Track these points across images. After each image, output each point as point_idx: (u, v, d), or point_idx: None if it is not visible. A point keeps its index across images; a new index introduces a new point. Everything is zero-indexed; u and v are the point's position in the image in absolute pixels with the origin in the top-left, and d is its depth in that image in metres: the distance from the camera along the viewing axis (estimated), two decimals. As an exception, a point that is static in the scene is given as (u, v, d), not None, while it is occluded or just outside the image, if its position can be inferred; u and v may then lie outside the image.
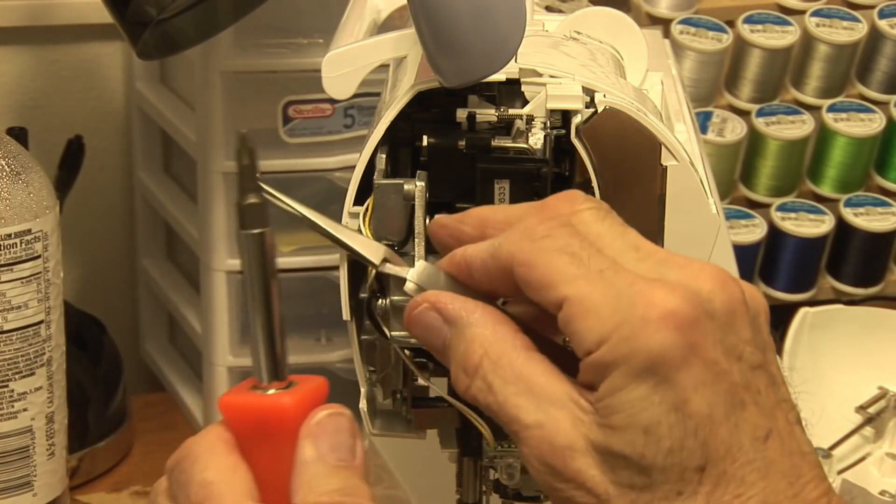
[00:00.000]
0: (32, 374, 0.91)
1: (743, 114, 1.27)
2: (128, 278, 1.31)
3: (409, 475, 0.90)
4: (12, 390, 0.90)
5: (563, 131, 0.69)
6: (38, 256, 0.90)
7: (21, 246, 0.89)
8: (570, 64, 0.72)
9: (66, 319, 0.94)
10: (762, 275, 1.28)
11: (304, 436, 0.59)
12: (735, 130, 1.26)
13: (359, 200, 0.70)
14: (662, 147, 0.68)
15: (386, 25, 0.87)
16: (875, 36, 1.28)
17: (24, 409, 0.91)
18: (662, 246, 0.69)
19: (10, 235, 0.88)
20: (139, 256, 1.28)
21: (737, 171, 1.28)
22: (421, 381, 0.73)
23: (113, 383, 1.13)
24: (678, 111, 0.81)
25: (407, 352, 0.72)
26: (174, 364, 1.25)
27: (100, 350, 1.13)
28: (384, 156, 0.69)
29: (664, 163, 0.68)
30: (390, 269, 0.64)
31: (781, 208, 1.28)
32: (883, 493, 0.99)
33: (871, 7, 1.28)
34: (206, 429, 0.58)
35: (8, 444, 0.91)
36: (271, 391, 0.60)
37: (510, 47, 0.66)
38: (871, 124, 1.28)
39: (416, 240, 0.68)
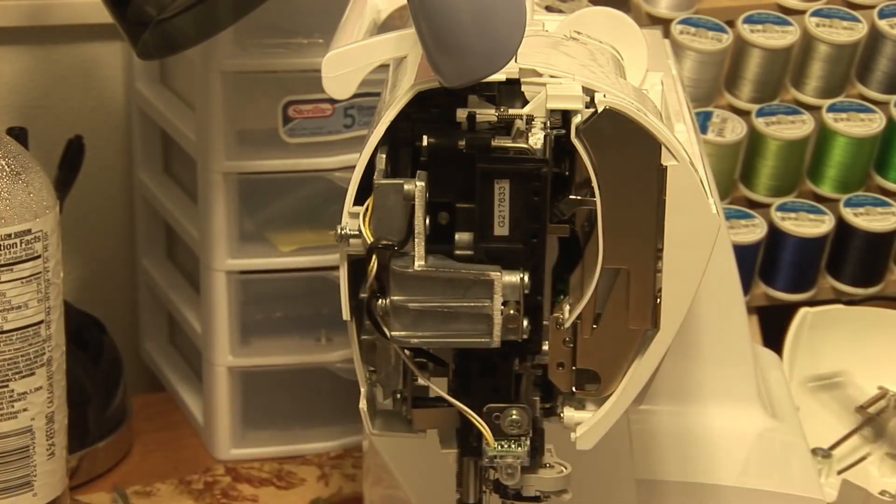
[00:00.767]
0: (32, 374, 0.91)
1: (743, 114, 1.27)
2: (128, 278, 1.31)
3: (409, 475, 0.90)
4: (12, 390, 0.90)
5: (563, 131, 0.70)
6: (38, 256, 0.90)
7: (21, 246, 0.89)
8: (570, 64, 0.73)
9: (66, 319, 0.94)
10: (762, 275, 1.28)
11: None
12: (735, 130, 1.26)
13: (359, 200, 0.70)
14: (662, 147, 0.68)
15: (386, 25, 0.87)
16: (875, 36, 1.28)
17: (24, 409, 0.91)
18: (662, 246, 0.69)
19: (10, 235, 0.88)
20: (139, 256, 1.28)
21: (737, 171, 1.28)
22: (421, 381, 0.73)
23: (113, 383, 1.13)
24: (678, 111, 0.81)
25: (407, 352, 0.72)
26: (174, 364, 1.25)
27: (100, 350, 1.14)
28: (384, 156, 0.69)
29: (664, 163, 0.68)
30: None
31: (781, 208, 1.28)
32: (883, 493, 0.99)
33: (871, 7, 1.28)
34: None
35: (8, 444, 0.91)
36: None
37: (510, 47, 0.66)
38: (871, 124, 1.28)
39: (416, 240, 0.68)
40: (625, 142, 0.68)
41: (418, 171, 0.68)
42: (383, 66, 0.76)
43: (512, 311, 0.68)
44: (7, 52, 1.24)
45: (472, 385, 0.72)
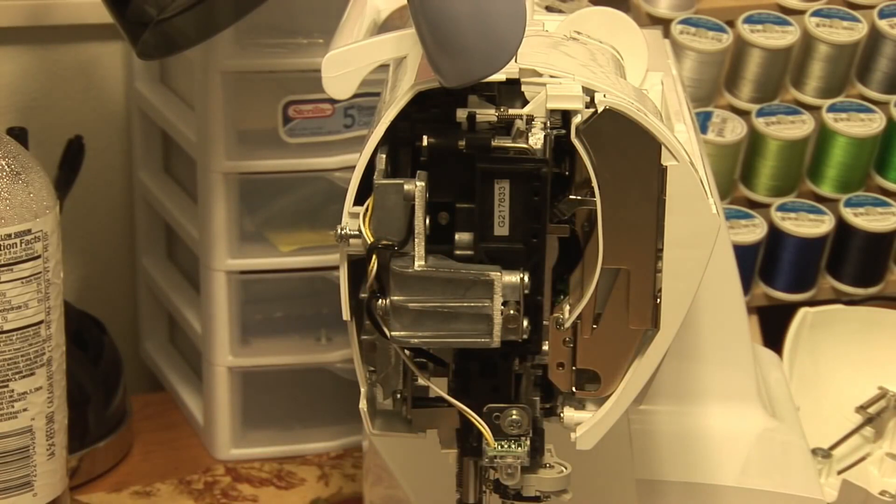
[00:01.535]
0: (32, 374, 0.91)
1: (743, 114, 1.27)
2: (128, 278, 1.31)
3: (409, 475, 0.90)
4: (12, 390, 0.90)
5: (563, 131, 0.70)
6: (38, 256, 0.90)
7: (21, 246, 0.89)
8: (570, 64, 0.73)
9: (66, 319, 0.94)
10: (762, 275, 1.28)
11: None
12: (735, 130, 1.26)
13: (359, 200, 0.70)
14: (662, 147, 0.68)
15: (386, 25, 0.87)
16: (875, 36, 1.28)
17: (24, 409, 0.91)
18: (662, 246, 0.69)
19: (10, 235, 0.88)
20: (139, 256, 1.28)
21: (737, 171, 1.28)
22: (421, 381, 0.73)
23: (113, 383, 1.13)
24: (678, 111, 0.81)
25: (407, 352, 0.72)
26: (174, 364, 1.25)
27: (100, 350, 1.14)
28: (384, 156, 0.69)
29: (664, 163, 0.68)
30: None
31: (781, 208, 1.28)
32: (883, 493, 0.99)
33: (871, 7, 1.28)
34: None
35: (8, 444, 0.91)
36: None
37: (510, 47, 0.66)
38: (871, 124, 1.28)
39: (416, 240, 0.68)
40: (625, 142, 0.68)
41: (418, 171, 0.68)
42: (383, 66, 0.76)
43: (512, 311, 0.68)
44: (7, 52, 1.24)
45: (472, 385, 0.72)
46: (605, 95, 0.69)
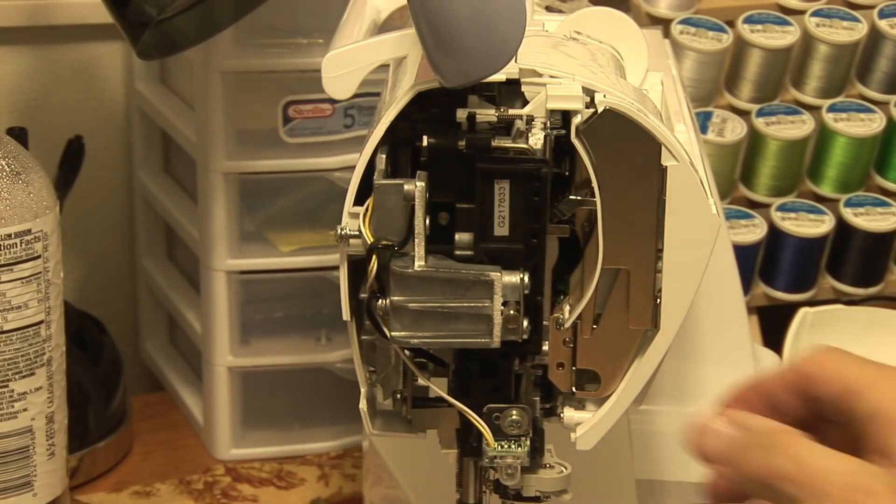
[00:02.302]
0: (32, 374, 0.91)
1: (743, 114, 1.27)
2: (128, 278, 1.31)
3: (409, 475, 0.90)
4: (12, 390, 0.90)
5: (563, 131, 0.70)
6: (38, 256, 0.90)
7: (21, 246, 0.89)
8: (570, 64, 0.72)
9: (66, 319, 0.94)
10: (762, 275, 1.28)
11: None
12: (735, 130, 1.26)
13: (359, 200, 0.70)
14: (662, 147, 0.68)
15: (386, 25, 0.87)
16: (875, 36, 1.28)
17: (24, 409, 0.91)
18: (662, 246, 0.69)
19: (10, 235, 0.88)
20: (139, 256, 1.28)
21: (737, 171, 1.28)
22: (421, 381, 0.73)
23: (113, 383, 1.13)
24: (678, 111, 0.81)
25: (407, 352, 0.72)
26: (174, 364, 1.25)
27: (100, 350, 1.14)
28: (384, 156, 0.69)
29: (664, 163, 0.68)
30: None
31: (781, 208, 1.28)
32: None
33: (871, 7, 1.28)
34: None
35: (8, 444, 0.91)
36: None
37: (510, 48, 0.66)
38: (871, 124, 1.28)
39: (416, 240, 0.68)
40: (625, 142, 0.68)
41: (418, 171, 0.68)
42: (383, 66, 0.76)
43: (512, 312, 0.68)
44: (7, 52, 1.24)
45: (472, 385, 0.72)
46: (605, 95, 0.69)
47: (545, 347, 0.71)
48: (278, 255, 1.12)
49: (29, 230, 0.89)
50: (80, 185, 1.15)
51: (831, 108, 1.28)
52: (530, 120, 0.70)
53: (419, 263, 0.68)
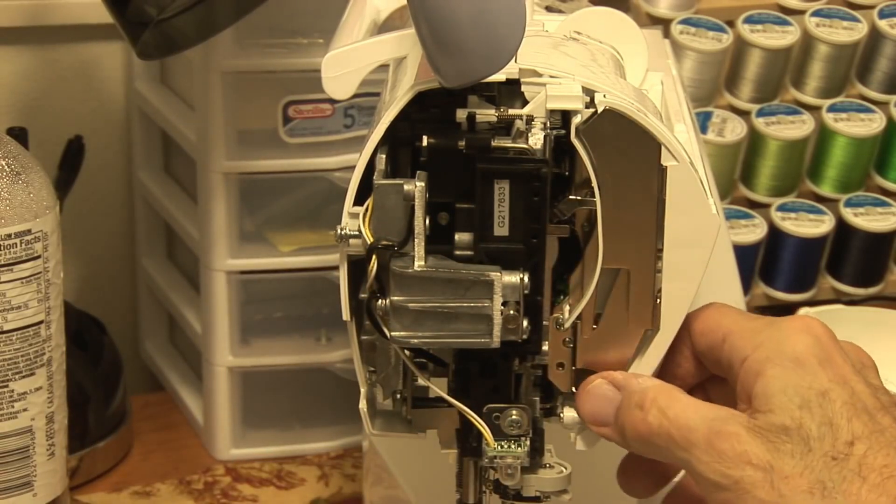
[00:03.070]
0: (32, 374, 0.91)
1: (743, 114, 1.27)
2: (128, 278, 1.31)
3: (409, 475, 0.90)
4: (12, 390, 0.90)
5: (563, 131, 0.70)
6: (38, 256, 0.90)
7: (21, 246, 0.89)
8: (570, 64, 0.72)
9: (66, 319, 0.94)
10: (762, 275, 1.28)
11: None
12: (735, 130, 1.26)
13: (359, 200, 0.70)
14: (662, 147, 0.68)
15: (386, 25, 0.87)
16: (875, 36, 1.28)
17: (24, 409, 0.91)
18: (662, 246, 0.69)
19: (10, 235, 0.88)
20: (139, 256, 1.28)
21: (737, 171, 1.28)
22: (421, 381, 0.73)
23: (113, 383, 1.13)
24: (678, 111, 0.81)
25: (407, 352, 0.72)
26: (174, 364, 1.25)
27: (100, 350, 1.14)
28: (384, 156, 0.69)
29: (664, 163, 0.68)
30: None
31: (781, 208, 1.28)
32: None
33: (871, 7, 1.28)
34: None
35: (8, 444, 0.91)
36: None
37: (510, 48, 0.66)
38: (871, 124, 1.28)
39: (416, 240, 0.68)
40: (625, 142, 0.68)
41: (418, 171, 0.68)
42: (383, 66, 0.76)
43: (512, 312, 0.68)
44: (7, 52, 1.24)
45: (472, 385, 0.72)
46: (605, 95, 0.69)
47: (545, 347, 0.71)
48: (278, 255, 1.12)
49: (29, 230, 0.89)
50: (80, 185, 1.15)
51: (831, 108, 1.28)
52: (530, 120, 0.70)
53: (419, 263, 0.68)
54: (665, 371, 0.72)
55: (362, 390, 0.73)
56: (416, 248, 0.68)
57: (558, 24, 0.80)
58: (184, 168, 1.20)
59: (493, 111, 0.69)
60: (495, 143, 0.68)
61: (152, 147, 1.25)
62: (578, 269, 0.72)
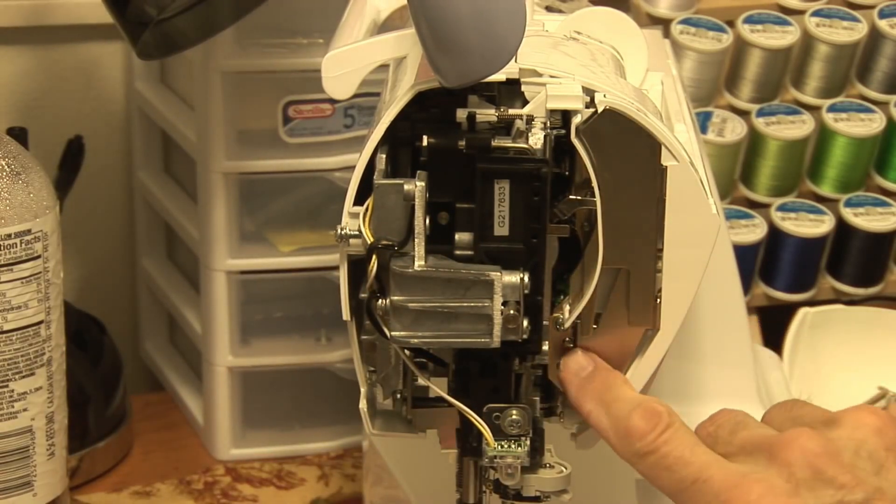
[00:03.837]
0: (32, 374, 0.91)
1: (743, 114, 1.27)
2: (128, 278, 1.31)
3: (409, 475, 0.90)
4: (12, 390, 0.90)
5: (563, 131, 0.70)
6: (38, 256, 0.90)
7: (21, 246, 0.89)
8: (570, 64, 0.73)
9: (66, 319, 0.94)
10: (762, 275, 1.28)
11: None
12: (735, 130, 1.26)
13: (359, 200, 0.70)
14: (662, 147, 0.68)
15: (386, 25, 0.87)
16: (875, 36, 1.28)
17: (24, 409, 0.91)
18: (662, 246, 0.69)
19: (10, 235, 0.88)
20: (139, 256, 1.28)
21: (737, 171, 1.28)
22: (421, 381, 0.73)
23: (113, 383, 1.13)
24: (678, 111, 0.81)
25: (407, 352, 0.72)
26: (174, 364, 1.25)
27: (100, 350, 1.14)
28: (384, 156, 0.69)
29: (664, 163, 0.68)
30: None
31: (781, 208, 1.28)
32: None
33: (871, 7, 1.28)
34: None
35: (8, 444, 0.91)
36: None
37: (510, 47, 0.66)
38: (871, 124, 1.28)
39: (416, 240, 0.68)
40: (625, 142, 0.68)
41: (418, 171, 0.68)
42: (383, 66, 0.76)
43: (512, 311, 0.68)
44: (7, 52, 1.24)
45: (472, 385, 0.72)
46: (605, 95, 0.69)
47: (545, 347, 0.71)
48: (278, 255, 1.12)
49: (29, 230, 0.89)
50: (80, 185, 1.15)
51: (831, 108, 1.28)
52: (530, 120, 0.70)
53: (419, 263, 0.68)
54: None
55: (362, 390, 0.74)
56: (416, 248, 0.68)
57: (558, 24, 0.80)
58: (184, 168, 1.20)
59: (493, 111, 0.69)
60: (495, 142, 0.68)
61: (152, 147, 1.25)
62: (578, 269, 0.72)
